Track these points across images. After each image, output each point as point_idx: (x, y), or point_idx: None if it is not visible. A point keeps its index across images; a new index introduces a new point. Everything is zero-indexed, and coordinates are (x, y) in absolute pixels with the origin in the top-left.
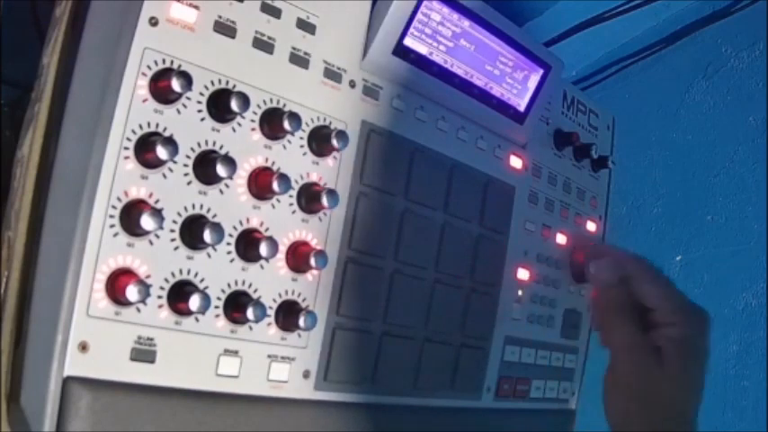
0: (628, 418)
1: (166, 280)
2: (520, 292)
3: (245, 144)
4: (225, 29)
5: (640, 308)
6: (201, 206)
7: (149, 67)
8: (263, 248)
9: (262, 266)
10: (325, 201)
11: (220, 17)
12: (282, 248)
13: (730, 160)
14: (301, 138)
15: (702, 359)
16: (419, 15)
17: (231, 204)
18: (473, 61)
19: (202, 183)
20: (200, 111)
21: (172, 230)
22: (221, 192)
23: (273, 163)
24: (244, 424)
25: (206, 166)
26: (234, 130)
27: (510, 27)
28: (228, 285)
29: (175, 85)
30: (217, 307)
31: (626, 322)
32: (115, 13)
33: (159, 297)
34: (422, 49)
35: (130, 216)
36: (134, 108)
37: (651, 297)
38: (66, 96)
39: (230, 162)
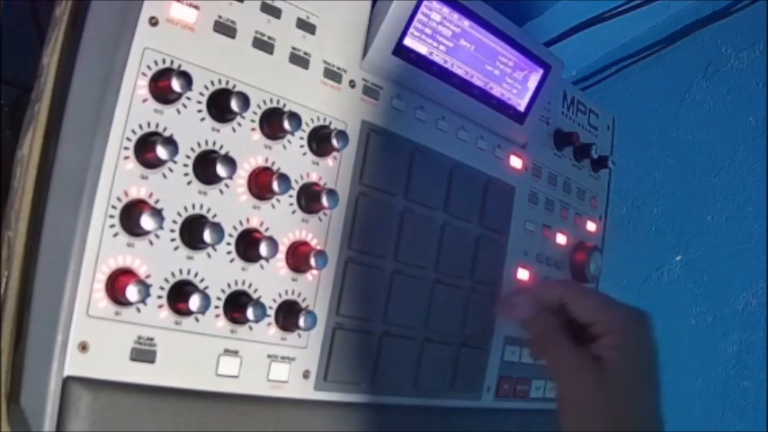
0: None
1: (166, 280)
2: None
3: (245, 144)
4: (225, 29)
5: (577, 328)
6: (201, 206)
7: (149, 67)
8: (263, 248)
9: (262, 266)
10: (325, 201)
11: (220, 17)
12: (282, 248)
13: (730, 160)
14: (301, 138)
15: (647, 357)
16: (419, 15)
17: (231, 204)
18: (473, 61)
19: (202, 183)
20: (200, 111)
21: (172, 230)
22: (221, 192)
23: (273, 163)
24: (244, 424)
25: (206, 166)
26: (234, 130)
27: (510, 27)
28: (228, 285)
29: (175, 85)
30: (217, 307)
31: (558, 346)
32: (115, 13)
33: (159, 297)
34: (422, 49)
35: (130, 216)
36: (134, 108)
37: (583, 312)
38: (66, 96)
39: (230, 162)
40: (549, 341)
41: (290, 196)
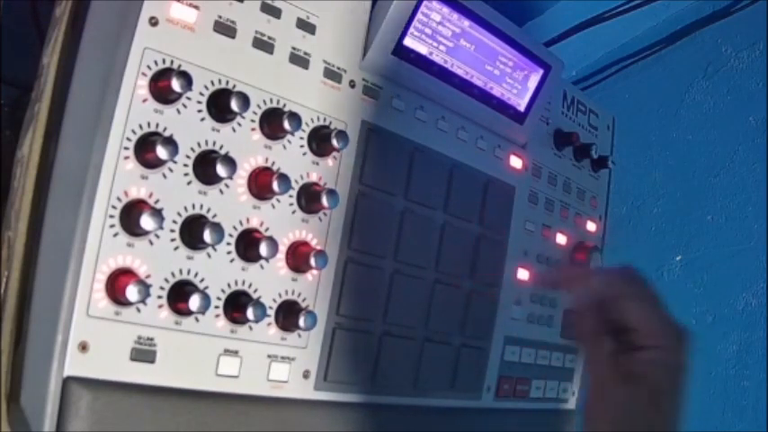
0: None
1: (166, 280)
2: (520, 293)
3: (245, 144)
4: (225, 29)
5: (623, 329)
6: (201, 206)
7: (149, 67)
8: (263, 248)
9: (262, 266)
10: (325, 201)
11: (220, 17)
12: (282, 248)
13: (730, 160)
14: (301, 138)
15: (685, 382)
16: (419, 15)
17: (231, 204)
18: (473, 61)
19: (202, 183)
20: (200, 111)
21: (172, 230)
22: (221, 192)
23: (273, 163)
24: (244, 424)
25: (206, 166)
26: (234, 130)
27: (510, 27)
28: (228, 285)
29: (175, 85)
30: (217, 307)
31: (609, 347)
32: (115, 13)
33: (159, 297)
34: (422, 49)
35: (130, 216)
36: (134, 108)
37: (634, 317)
38: (66, 96)
39: (230, 162)
40: (595, 340)
41: (290, 196)
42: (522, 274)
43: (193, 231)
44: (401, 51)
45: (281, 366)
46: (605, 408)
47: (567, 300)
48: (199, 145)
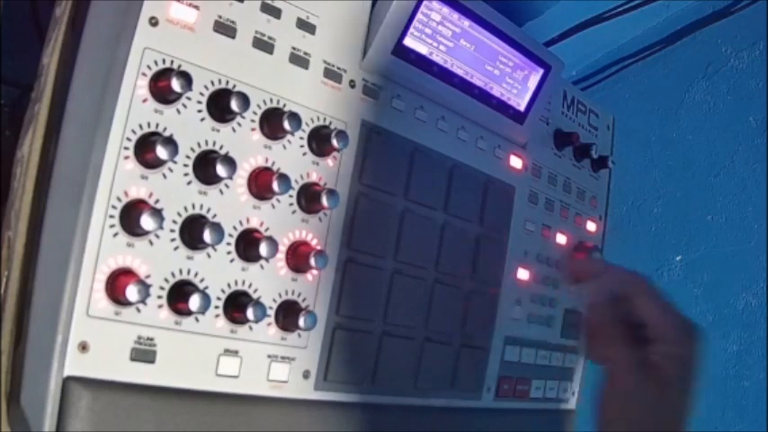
0: None
1: (166, 280)
2: (520, 293)
3: (245, 144)
4: (225, 29)
5: (635, 325)
6: (201, 206)
7: (149, 67)
8: (263, 248)
9: (262, 266)
10: (325, 201)
11: (220, 17)
12: (282, 248)
13: (730, 160)
14: (301, 138)
15: (697, 378)
16: (419, 15)
17: (231, 204)
18: (473, 61)
19: (202, 183)
20: (200, 111)
21: (172, 230)
22: (221, 192)
23: (273, 163)
24: (244, 424)
25: (206, 166)
26: (234, 130)
27: (510, 27)
28: (228, 285)
29: (175, 85)
30: (217, 307)
31: (624, 340)
32: (115, 13)
33: (159, 297)
34: (422, 49)
35: (130, 216)
36: (134, 108)
37: (646, 312)
38: (66, 96)
39: (230, 162)
40: (615, 333)
41: (290, 196)
42: (522, 274)
43: (193, 231)
44: (401, 51)
45: (281, 366)
46: (617, 400)
47: (566, 300)
48: (199, 145)
